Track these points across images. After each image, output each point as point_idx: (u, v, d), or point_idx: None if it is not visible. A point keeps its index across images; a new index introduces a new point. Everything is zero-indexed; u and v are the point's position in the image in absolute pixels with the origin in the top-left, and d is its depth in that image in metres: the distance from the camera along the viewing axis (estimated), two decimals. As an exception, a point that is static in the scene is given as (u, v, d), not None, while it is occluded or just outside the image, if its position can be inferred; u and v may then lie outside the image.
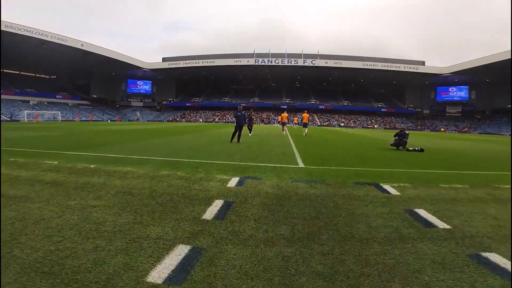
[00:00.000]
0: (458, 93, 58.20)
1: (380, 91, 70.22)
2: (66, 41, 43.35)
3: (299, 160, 6.28)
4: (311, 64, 54.14)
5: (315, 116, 61.96)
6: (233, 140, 10.18)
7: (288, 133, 18.02)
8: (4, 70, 54.98)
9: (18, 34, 38.17)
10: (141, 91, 67.36)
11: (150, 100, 68.57)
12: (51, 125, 25.30)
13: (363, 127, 56.28)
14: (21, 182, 3.97)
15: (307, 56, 54.97)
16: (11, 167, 4.96)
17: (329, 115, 64.36)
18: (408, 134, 9.87)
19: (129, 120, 56.93)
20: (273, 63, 54.42)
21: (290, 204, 3.24)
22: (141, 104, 68.13)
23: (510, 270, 1.91)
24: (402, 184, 4.32)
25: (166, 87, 68.36)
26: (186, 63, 56.82)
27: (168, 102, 68.91)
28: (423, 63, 56.93)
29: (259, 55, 55.29)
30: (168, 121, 59.65)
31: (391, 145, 9.91)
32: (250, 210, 3.00)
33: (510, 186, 4.41)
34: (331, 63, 53.89)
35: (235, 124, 10.36)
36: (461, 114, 58.73)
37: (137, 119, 60.50)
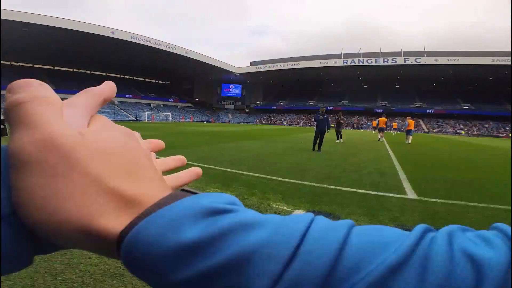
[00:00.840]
0: None
1: (519, 90, 52.74)
2: (174, 49, 49.01)
3: (406, 185, 4.19)
4: (414, 63, 45.73)
5: (421, 122, 51.95)
6: (314, 148, 8.64)
7: (385, 141, 14.77)
8: (135, 78, 69.86)
9: (142, 44, 44.59)
10: (233, 94, 72.80)
11: (240, 103, 73.22)
12: (159, 125, 29.69)
13: (495, 136, 43.26)
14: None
15: (408, 54, 46.78)
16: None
17: (440, 120, 52.76)
18: None
19: (222, 122, 62.28)
20: (365, 63, 48.74)
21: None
22: (232, 107, 73.63)
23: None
24: None
25: (254, 90, 71.59)
26: (272, 66, 57.75)
27: (255, 105, 71.94)
28: None
29: (348, 55, 50.68)
30: (255, 123, 62.14)
31: None
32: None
33: None
34: (443, 61, 44.12)
35: (314, 130, 8.75)
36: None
37: (229, 121, 65.55)
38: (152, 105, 61.19)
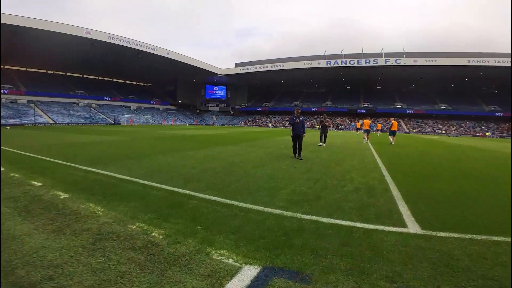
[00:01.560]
0: None
1: (492, 91, 55.15)
2: (156, 50, 47.19)
3: (402, 208, 3.24)
4: (395, 64, 46.36)
5: (402, 122, 52.80)
6: (295, 154, 7.71)
7: (370, 144, 14.07)
8: (114, 80, 66.96)
9: (121, 45, 42.85)
10: (217, 96, 71.42)
11: (225, 105, 71.98)
12: (135, 129, 27.94)
13: (473, 135, 44.44)
14: None
15: (389, 55, 47.43)
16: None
17: (420, 120, 53.89)
18: None
19: (206, 124, 60.67)
20: (348, 64, 49.00)
21: None
22: (217, 109, 72.23)
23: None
24: None
25: (239, 92, 70.61)
26: (256, 67, 57.07)
27: (240, 107, 70.98)
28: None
29: (331, 57, 50.90)
30: (240, 125, 61.10)
31: None
32: None
33: None
34: (421, 61, 45.04)
35: (291, 134, 7.76)
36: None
37: (213, 123, 64.09)
38: (132, 107, 58.92)
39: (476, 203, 3.69)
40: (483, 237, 2.45)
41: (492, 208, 3.49)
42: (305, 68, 52.67)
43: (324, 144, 12.21)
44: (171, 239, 2.32)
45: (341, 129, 51.64)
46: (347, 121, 56.07)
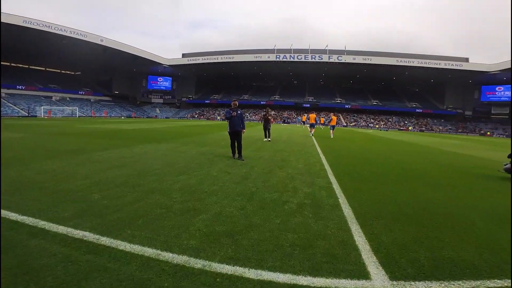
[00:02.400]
0: (506, 92, 50.22)
1: (414, 90, 63.63)
2: (86, 37, 42.38)
3: (359, 241, 2.34)
4: (337, 60, 49.35)
5: (341, 116, 56.81)
6: (234, 155, 6.61)
7: (314, 139, 13.90)
8: (31, 67, 56.18)
9: (40, 30, 37.96)
10: (161, 87, 66.10)
11: (170, 97, 67.16)
12: (50, 123, 23.39)
13: (399, 129, 50.25)
14: None
15: (332, 52, 50.30)
16: None
17: (356, 115, 58.81)
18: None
19: (148, 117, 55.55)
20: (296, 59, 50.32)
21: None
22: (161, 101, 66.97)
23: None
24: None
25: (186, 84, 66.65)
26: (205, 59, 54.41)
27: (187, 99, 67.16)
28: (466, 59, 50.09)
29: (281, 51, 51.66)
30: (186, 118, 57.76)
31: (505, 170, 5.69)
32: None
33: None
34: (359, 59, 48.90)
35: (228, 130, 6.55)
36: (509, 116, 50.44)
37: (156, 116, 59.17)
38: (54, 98, 50.36)
39: (441, 218, 3.15)
40: (473, 283, 1.72)
41: (460, 224, 2.95)
42: (255, 61, 52.23)
43: (270, 139, 11.51)
44: None
45: (288, 122, 52.95)
46: (294, 114, 57.81)
